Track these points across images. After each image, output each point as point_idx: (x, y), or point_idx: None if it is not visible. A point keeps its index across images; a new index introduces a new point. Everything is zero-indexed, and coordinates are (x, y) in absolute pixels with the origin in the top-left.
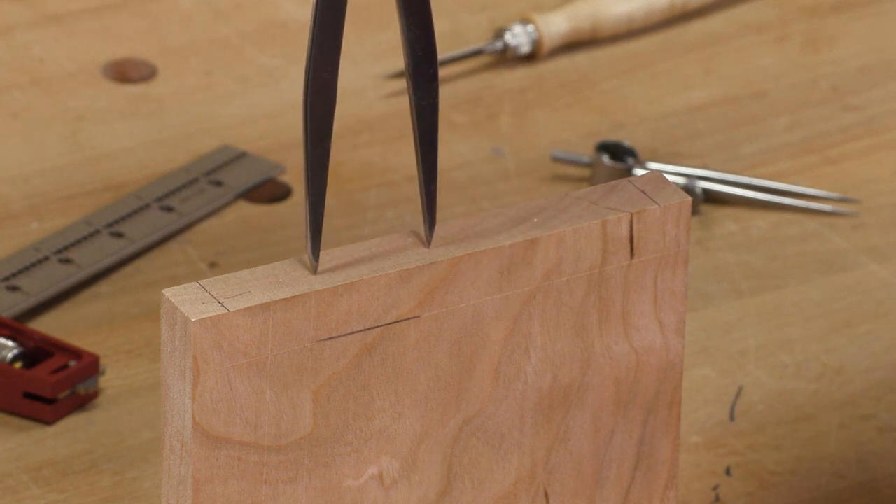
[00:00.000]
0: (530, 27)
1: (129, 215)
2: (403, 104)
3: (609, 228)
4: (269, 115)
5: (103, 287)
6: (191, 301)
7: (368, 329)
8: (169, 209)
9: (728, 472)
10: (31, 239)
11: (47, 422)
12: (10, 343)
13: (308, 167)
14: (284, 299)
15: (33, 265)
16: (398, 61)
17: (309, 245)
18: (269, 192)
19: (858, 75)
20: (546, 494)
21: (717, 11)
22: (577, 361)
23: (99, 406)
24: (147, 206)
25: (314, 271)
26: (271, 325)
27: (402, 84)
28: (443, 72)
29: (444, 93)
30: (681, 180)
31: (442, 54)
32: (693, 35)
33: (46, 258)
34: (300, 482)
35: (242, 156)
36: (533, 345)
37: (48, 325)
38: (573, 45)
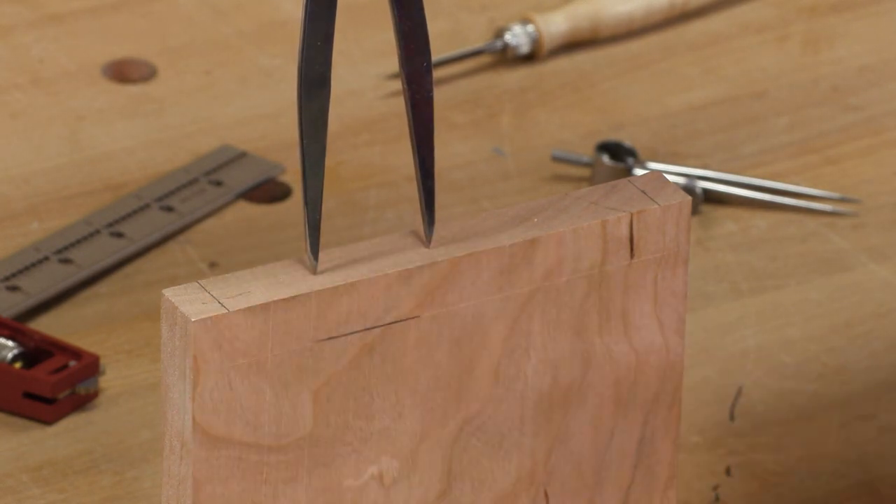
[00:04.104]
0: (530, 27)
1: (129, 215)
2: (404, 104)
3: (609, 228)
4: (269, 115)
5: (103, 287)
6: (191, 301)
7: (368, 329)
8: (169, 209)
9: (728, 472)
10: (31, 239)
11: (47, 422)
12: (10, 343)
13: (304, 164)
14: (284, 299)
15: (33, 265)
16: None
17: (308, 243)
18: (269, 192)
19: (858, 75)
20: (546, 494)
21: (717, 11)
22: (577, 361)
23: (99, 406)
24: (147, 206)
25: (314, 269)
26: (271, 325)
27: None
28: (443, 72)
29: (444, 93)
30: (681, 180)
31: (442, 54)
32: (693, 35)
33: (46, 258)
34: (300, 482)
35: (242, 156)
36: (533, 345)
37: (48, 325)
38: (573, 45)
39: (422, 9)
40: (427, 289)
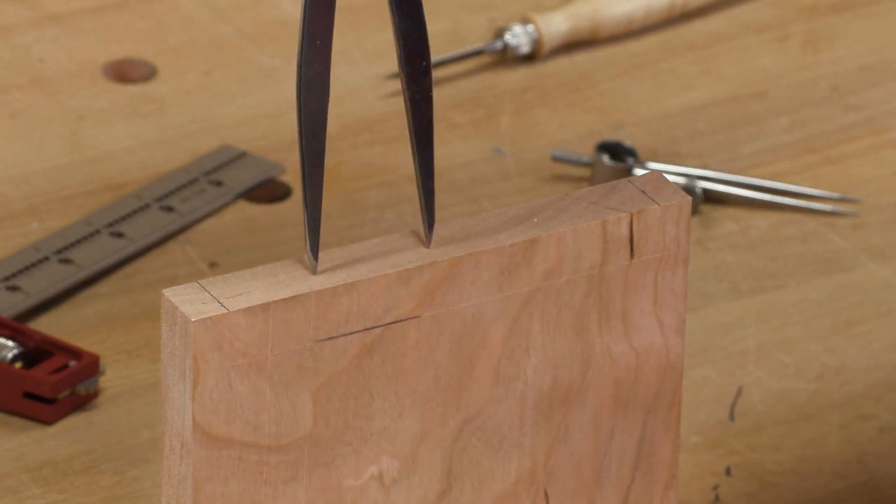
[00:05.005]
0: (530, 27)
1: (129, 215)
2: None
3: (609, 228)
4: (269, 115)
5: (103, 287)
6: (191, 301)
7: (368, 329)
8: (169, 209)
9: (728, 472)
10: (31, 239)
11: (47, 422)
12: (10, 343)
13: (304, 163)
14: (284, 299)
15: (33, 265)
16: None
17: (308, 243)
18: (269, 192)
19: (858, 75)
20: (546, 494)
21: (717, 11)
22: (577, 361)
23: (99, 406)
24: (147, 206)
25: (314, 269)
26: (271, 325)
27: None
28: (443, 72)
29: (444, 93)
30: (681, 180)
31: (442, 54)
32: (693, 35)
33: (46, 258)
34: (300, 482)
35: (242, 156)
36: (533, 345)
37: (48, 325)
38: (573, 45)
39: (421, 9)
40: (427, 289)
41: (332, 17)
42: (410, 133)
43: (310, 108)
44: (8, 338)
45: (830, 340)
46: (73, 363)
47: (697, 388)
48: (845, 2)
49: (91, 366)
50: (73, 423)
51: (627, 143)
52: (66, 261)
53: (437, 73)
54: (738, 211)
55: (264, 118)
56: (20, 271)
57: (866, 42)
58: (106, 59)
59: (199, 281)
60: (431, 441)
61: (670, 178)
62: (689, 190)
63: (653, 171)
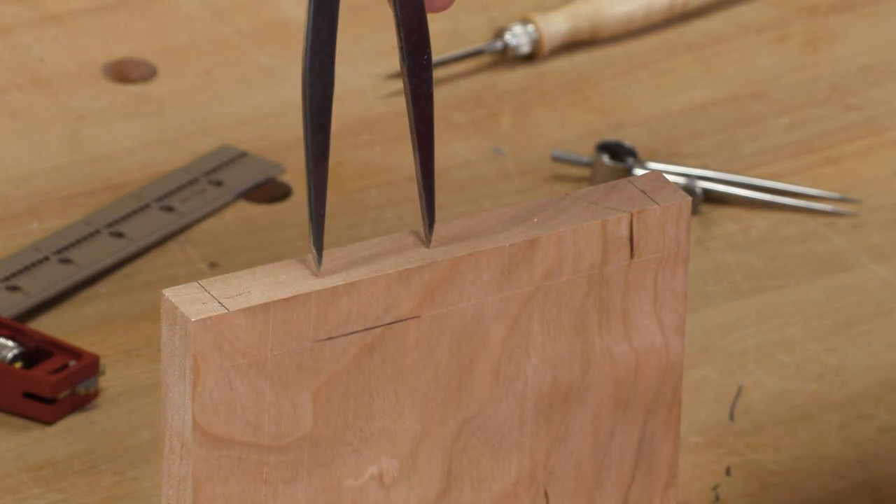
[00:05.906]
0: (530, 27)
1: (129, 215)
2: (404, 104)
3: (609, 228)
4: (269, 115)
5: (103, 287)
6: (191, 301)
7: (368, 329)
8: (169, 209)
9: (728, 472)
10: (31, 239)
11: (47, 422)
12: (10, 343)
13: (309, 156)
14: (284, 299)
15: (33, 265)
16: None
17: (312, 238)
18: (269, 192)
19: (858, 75)
20: (546, 494)
21: (717, 11)
22: (577, 361)
23: (99, 406)
24: (147, 206)
25: (317, 262)
26: (271, 325)
27: (402, 83)
28: (443, 72)
29: (444, 93)
30: (681, 180)
31: (442, 54)
32: (693, 35)
33: (46, 258)
34: (300, 482)
35: (242, 156)
36: (533, 345)
37: (48, 325)
38: (573, 45)
39: (422, 3)
40: (427, 289)
41: (336, 9)
42: (411, 129)
43: (315, 99)
44: (8, 338)
45: (830, 340)
46: (73, 363)
47: (697, 388)
48: (845, 2)
49: (91, 366)
50: (73, 423)
51: (627, 143)
52: (66, 261)
53: (437, 73)
54: (738, 211)
55: (264, 118)
56: (20, 271)
57: (866, 42)
58: (106, 59)
59: (199, 281)
60: (431, 441)
61: (670, 178)
62: (689, 190)
63: (653, 171)
